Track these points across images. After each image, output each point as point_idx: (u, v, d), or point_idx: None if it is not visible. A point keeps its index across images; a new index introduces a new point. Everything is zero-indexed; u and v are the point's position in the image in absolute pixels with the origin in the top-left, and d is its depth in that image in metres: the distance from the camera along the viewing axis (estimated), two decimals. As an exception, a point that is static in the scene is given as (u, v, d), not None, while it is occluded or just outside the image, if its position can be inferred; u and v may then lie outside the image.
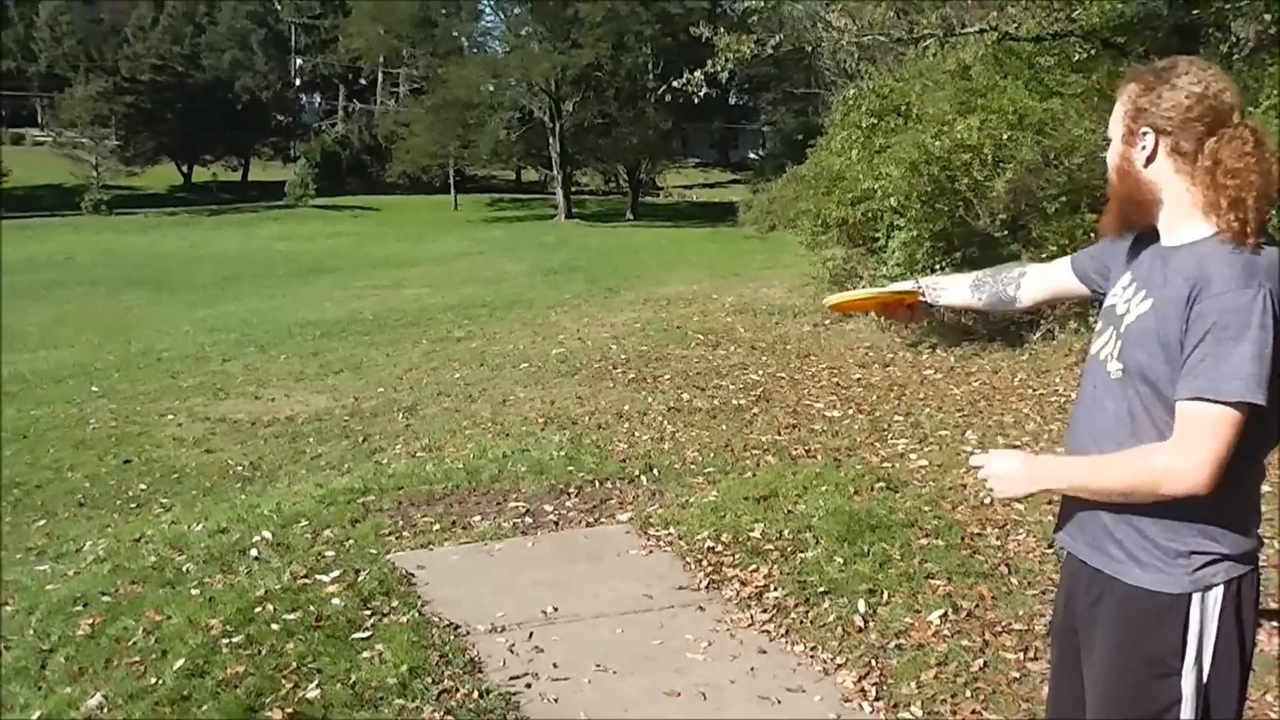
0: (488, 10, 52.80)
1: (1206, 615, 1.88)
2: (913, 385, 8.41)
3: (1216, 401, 1.77)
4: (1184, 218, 1.91)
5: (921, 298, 2.52)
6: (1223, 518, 1.87)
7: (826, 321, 11.78)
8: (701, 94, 10.97)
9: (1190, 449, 1.79)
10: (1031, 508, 5.15)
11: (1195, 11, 9.11)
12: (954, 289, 2.53)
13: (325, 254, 30.82)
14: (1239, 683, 1.92)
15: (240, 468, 7.98)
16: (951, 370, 8.83)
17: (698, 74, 10.47)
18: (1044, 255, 7.73)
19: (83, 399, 10.90)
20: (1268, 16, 8.24)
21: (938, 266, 9.25)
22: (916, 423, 7.10)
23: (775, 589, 4.29)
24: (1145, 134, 1.91)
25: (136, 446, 8.84)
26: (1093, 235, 2.46)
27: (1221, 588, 1.88)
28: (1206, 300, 1.79)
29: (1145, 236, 2.00)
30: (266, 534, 5.14)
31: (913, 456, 6.23)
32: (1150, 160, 1.92)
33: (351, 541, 5.01)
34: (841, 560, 4.47)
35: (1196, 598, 1.88)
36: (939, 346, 9.62)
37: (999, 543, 4.71)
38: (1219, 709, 1.90)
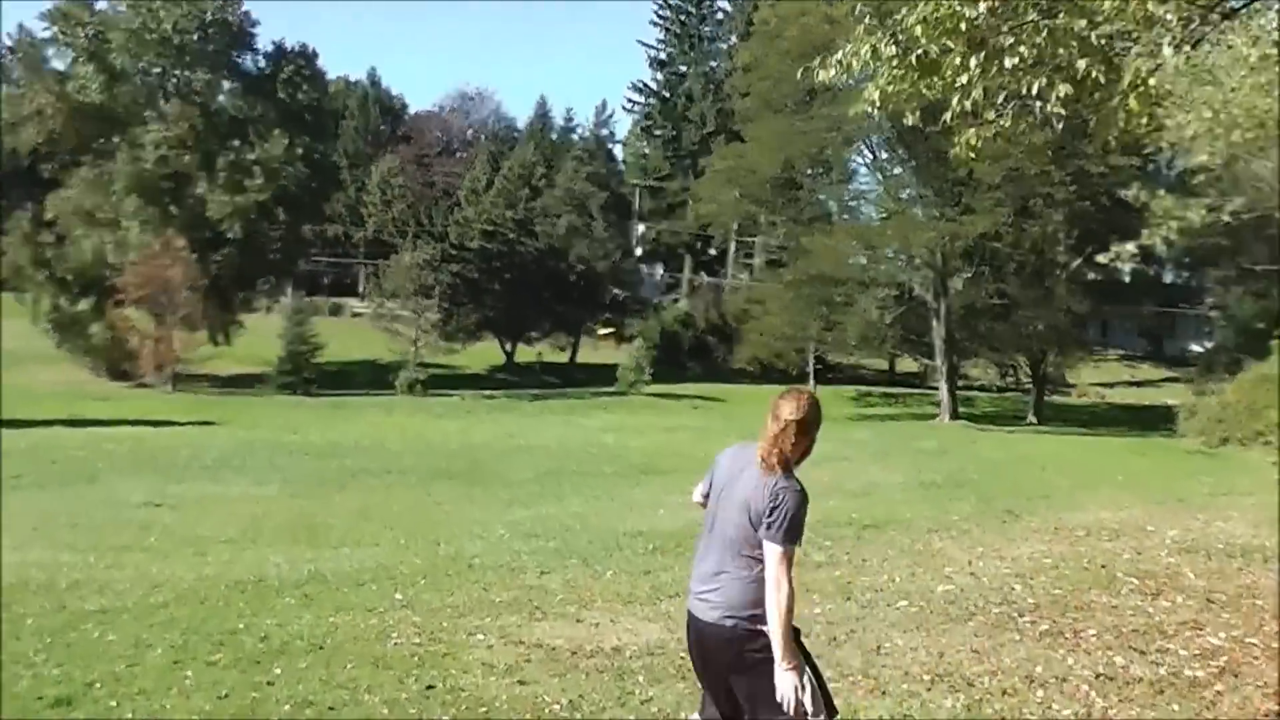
0: (862, 171, 54.08)
1: None
2: None
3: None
4: None
5: None
6: None
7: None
8: (1129, 271, 10.65)
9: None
10: None
11: None
12: None
13: (659, 450, 31.82)
14: None
15: (557, 706, 8.08)
16: None
17: (1128, 246, 10.22)
18: None
19: (385, 608, 11.51)
20: None
21: None
22: None
23: None
24: None
25: (441, 670, 9.17)
26: None
27: None
28: None
29: None
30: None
31: None
32: None
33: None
34: None
35: None
36: None
37: None
38: None
